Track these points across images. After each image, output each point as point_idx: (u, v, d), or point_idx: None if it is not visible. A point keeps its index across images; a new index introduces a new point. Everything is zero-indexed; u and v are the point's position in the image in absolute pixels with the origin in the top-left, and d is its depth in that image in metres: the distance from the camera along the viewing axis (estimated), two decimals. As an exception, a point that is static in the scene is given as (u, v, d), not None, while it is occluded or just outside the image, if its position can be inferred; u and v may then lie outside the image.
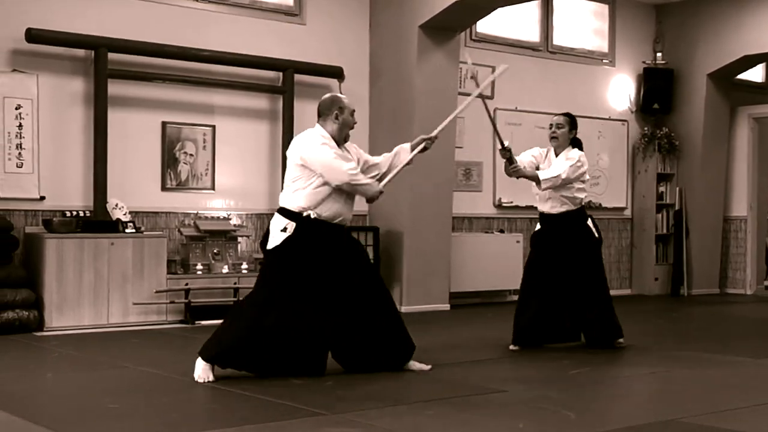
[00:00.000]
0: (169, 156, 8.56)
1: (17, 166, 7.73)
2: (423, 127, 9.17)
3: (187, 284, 8.06)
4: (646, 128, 11.75)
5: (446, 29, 9.27)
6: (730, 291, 12.03)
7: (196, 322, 7.95)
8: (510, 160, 6.49)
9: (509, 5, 9.47)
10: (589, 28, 11.48)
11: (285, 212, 5.43)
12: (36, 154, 7.79)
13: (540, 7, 10.92)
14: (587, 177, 6.72)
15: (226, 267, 8.44)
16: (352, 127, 5.65)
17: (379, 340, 5.56)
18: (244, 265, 8.50)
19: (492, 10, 9.34)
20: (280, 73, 9.04)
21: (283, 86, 9.03)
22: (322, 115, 5.58)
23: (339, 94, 5.75)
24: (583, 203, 6.74)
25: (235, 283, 8.31)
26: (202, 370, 5.28)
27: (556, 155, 6.69)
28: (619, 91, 11.69)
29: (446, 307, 9.46)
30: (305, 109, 8.73)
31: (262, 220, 8.89)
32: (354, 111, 5.64)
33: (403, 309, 9.23)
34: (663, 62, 11.73)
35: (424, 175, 9.07)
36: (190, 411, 4.74)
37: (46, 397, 4.99)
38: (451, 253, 9.59)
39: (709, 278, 11.87)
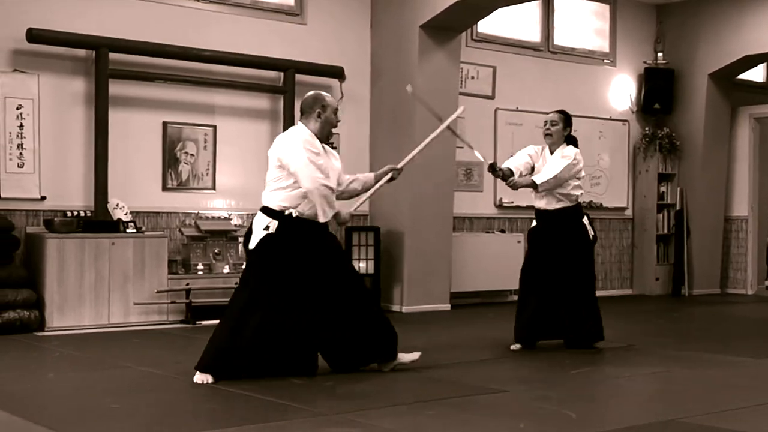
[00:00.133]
0: (170, 156, 8.57)
1: (18, 166, 7.73)
2: (423, 127, 9.17)
3: (188, 284, 8.07)
4: (647, 128, 11.75)
5: (447, 29, 9.27)
6: (731, 291, 12.03)
7: (197, 322, 7.95)
8: (503, 176, 6.54)
9: (510, 5, 9.47)
10: (589, 28, 11.48)
11: (267, 211, 5.42)
12: (37, 154, 7.80)
13: (541, 7, 10.92)
14: (583, 174, 6.73)
15: (227, 267, 8.44)
16: (335, 126, 5.64)
17: (363, 336, 5.52)
18: (245, 265, 8.48)
19: (493, 10, 9.33)
20: (281, 73, 9.05)
21: (284, 86, 9.03)
22: (304, 113, 5.57)
23: (322, 92, 5.71)
24: (579, 200, 6.75)
25: (236, 283, 8.26)
26: (200, 373, 5.28)
27: (551, 153, 6.70)
28: (620, 91, 11.69)
29: (447, 307, 9.46)
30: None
31: (263, 220, 8.89)
32: (337, 109, 5.64)
33: (404, 309, 9.25)
34: (664, 62, 11.73)
35: (424, 175, 9.08)
36: (191, 411, 4.74)
37: (47, 397, 4.99)
38: (451, 253, 9.59)
39: (709, 278, 11.87)
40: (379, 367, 5.64)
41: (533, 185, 6.55)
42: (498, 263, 9.92)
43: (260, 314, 5.30)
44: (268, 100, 9.11)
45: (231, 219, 8.79)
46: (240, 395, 4.89)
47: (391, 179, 5.85)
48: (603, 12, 11.59)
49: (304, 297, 5.39)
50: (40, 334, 7.30)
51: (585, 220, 6.72)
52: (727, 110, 11.86)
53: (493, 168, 6.55)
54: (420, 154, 6.05)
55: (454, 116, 6.20)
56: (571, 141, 6.73)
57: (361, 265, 9.15)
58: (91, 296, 7.62)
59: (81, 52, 8.06)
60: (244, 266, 5.78)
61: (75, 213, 7.87)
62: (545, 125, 6.72)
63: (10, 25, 7.73)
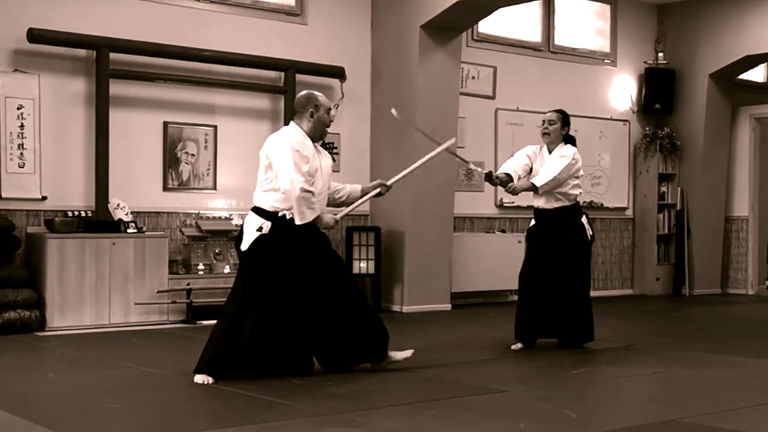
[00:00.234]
0: (170, 156, 8.57)
1: (19, 166, 7.73)
2: (424, 127, 9.18)
3: (188, 284, 8.07)
4: (647, 128, 11.75)
5: (448, 29, 9.27)
6: (732, 291, 12.03)
7: (198, 322, 7.95)
8: (501, 184, 6.56)
9: (511, 5, 9.47)
10: (590, 28, 11.48)
11: (260, 211, 5.41)
12: (38, 154, 7.80)
13: (541, 7, 10.92)
14: (581, 173, 6.73)
15: (227, 267, 8.44)
16: (329, 125, 5.61)
17: (355, 336, 5.50)
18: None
19: (493, 10, 9.33)
20: (282, 73, 9.05)
21: (284, 86, 9.04)
22: (297, 112, 5.54)
23: (315, 92, 5.67)
24: (577, 199, 6.75)
25: (236, 283, 8.30)
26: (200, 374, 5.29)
27: (550, 152, 6.70)
28: (621, 91, 11.69)
29: (447, 307, 9.46)
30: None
31: (264, 220, 8.89)
32: (330, 109, 5.61)
33: (405, 309, 9.25)
34: (664, 62, 11.73)
35: (425, 175, 9.05)
36: (191, 411, 4.74)
37: (48, 396, 4.99)
38: (452, 253, 9.59)
39: (710, 278, 11.87)
40: (372, 367, 5.63)
41: (533, 188, 6.56)
42: (498, 263, 9.92)
43: (256, 315, 5.29)
44: (269, 100, 9.11)
45: (232, 219, 8.78)
46: (240, 395, 4.90)
47: (379, 194, 5.81)
48: (604, 12, 11.59)
49: (297, 297, 5.38)
50: (40, 334, 7.30)
51: (584, 219, 6.72)
52: (727, 110, 11.86)
53: (489, 177, 6.60)
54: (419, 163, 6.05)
55: (444, 146, 6.18)
56: (569, 140, 6.73)
57: (362, 265, 9.16)
58: (92, 296, 7.63)
59: (81, 52, 8.06)
60: (237, 267, 5.73)
61: (76, 213, 7.88)
62: (543, 124, 6.73)
63: (11, 25, 7.73)
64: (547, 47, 11.02)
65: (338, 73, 9.34)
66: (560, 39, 11.14)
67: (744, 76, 12.09)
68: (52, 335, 7.26)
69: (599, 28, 11.56)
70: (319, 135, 5.57)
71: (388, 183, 5.83)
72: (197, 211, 8.68)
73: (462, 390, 5.15)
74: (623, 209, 11.73)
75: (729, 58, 11.28)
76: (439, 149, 6.07)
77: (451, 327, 8.22)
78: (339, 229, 9.42)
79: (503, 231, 10.49)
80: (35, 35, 7.70)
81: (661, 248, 11.77)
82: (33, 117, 7.79)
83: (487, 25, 10.33)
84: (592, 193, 11.23)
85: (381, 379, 5.44)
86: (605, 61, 11.57)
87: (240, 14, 8.95)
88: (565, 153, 6.59)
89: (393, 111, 6.37)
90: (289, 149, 5.31)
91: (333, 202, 5.77)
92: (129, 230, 7.89)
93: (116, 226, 7.86)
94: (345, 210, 5.78)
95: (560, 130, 6.69)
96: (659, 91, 11.64)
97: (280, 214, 5.36)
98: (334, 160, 9.34)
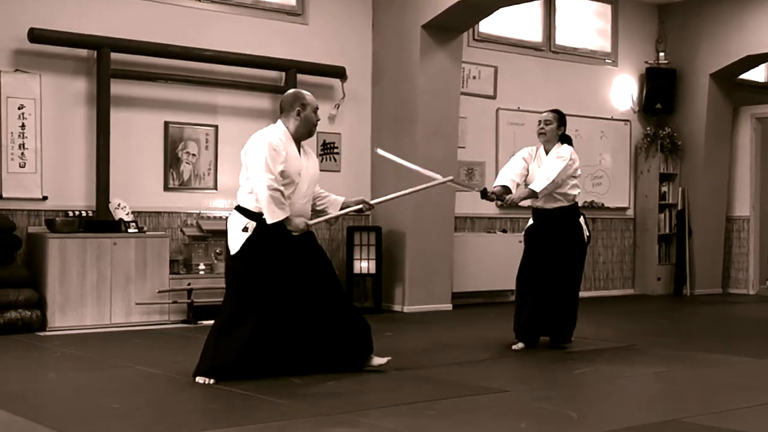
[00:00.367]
0: (171, 156, 8.57)
1: (20, 166, 7.74)
2: (425, 127, 9.23)
3: (189, 284, 8.07)
4: (648, 128, 11.74)
5: (449, 29, 9.27)
6: (733, 291, 12.02)
7: (199, 321, 7.95)
8: (499, 198, 6.56)
9: (512, 5, 9.46)
10: (591, 27, 11.48)
11: (244, 211, 5.37)
12: (39, 154, 7.81)
13: (542, 7, 10.92)
14: (579, 173, 6.73)
15: (228, 267, 8.43)
16: (315, 124, 5.56)
17: (340, 338, 5.47)
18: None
19: (494, 10, 9.33)
20: (283, 73, 9.05)
21: (285, 86, 9.01)
22: (283, 111, 5.49)
23: (303, 91, 5.64)
24: (576, 200, 6.75)
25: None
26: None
27: (546, 152, 6.70)
28: (622, 90, 11.69)
29: (448, 307, 9.46)
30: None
31: (265, 220, 8.89)
32: (317, 108, 5.56)
33: (406, 309, 9.25)
34: (665, 62, 11.73)
35: (426, 175, 9.05)
36: (191, 411, 4.74)
37: (48, 396, 5.00)
38: (453, 253, 9.59)
39: (711, 278, 11.87)
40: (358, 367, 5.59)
41: (532, 194, 6.55)
42: (499, 263, 9.90)
43: (254, 316, 5.28)
44: (270, 100, 9.10)
45: (232, 219, 8.77)
46: (240, 395, 4.90)
47: (360, 211, 5.76)
48: (605, 12, 11.59)
49: (289, 297, 5.36)
50: (41, 334, 7.30)
51: (581, 220, 6.73)
52: (728, 110, 11.86)
53: (485, 194, 6.57)
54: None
55: (437, 182, 6.20)
56: (566, 140, 6.74)
57: (363, 265, 9.16)
58: (93, 296, 7.63)
59: (83, 52, 8.07)
60: (227, 267, 5.64)
61: (77, 213, 7.88)
62: (539, 125, 6.74)
63: (12, 25, 7.74)
64: (548, 47, 11.02)
65: (339, 73, 9.34)
66: (561, 39, 11.14)
67: (745, 75, 12.09)
68: (53, 335, 7.26)
69: (600, 27, 11.56)
70: (306, 134, 5.51)
71: (372, 202, 5.79)
72: (198, 211, 8.68)
73: (462, 390, 5.15)
74: (624, 209, 11.72)
75: (730, 57, 11.28)
76: (432, 183, 6.11)
77: (451, 327, 8.22)
78: (340, 228, 9.43)
79: (504, 231, 10.49)
80: (36, 35, 7.70)
81: (662, 248, 11.77)
82: (34, 117, 7.79)
83: (488, 25, 10.33)
84: (593, 193, 11.23)
85: (381, 379, 5.44)
86: (606, 60, 11.57)
87: (241, 14, 8.95)
88: (561, 154, 6.59)
89: (379, 150, 6.42)
90: (265, 147, 5.25)
91: (312, 208, 5.68)
92: (130, 230, 7.89)
93: (117, 226, 7.86)
94: (320, 219, 5.68)
95: (556, 130, 6.69)
96: (660, 91, 11.64)
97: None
98: (335, 159, 9.50)
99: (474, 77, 10.25)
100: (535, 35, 10.95)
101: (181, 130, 8.62)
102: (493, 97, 10.46)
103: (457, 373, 5.70)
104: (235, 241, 5.35)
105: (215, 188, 8.79)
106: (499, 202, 6.65)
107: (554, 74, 10.97)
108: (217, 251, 8.46)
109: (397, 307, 9.33)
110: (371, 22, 9.75)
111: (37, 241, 7.64)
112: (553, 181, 6.47)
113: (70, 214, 7.86)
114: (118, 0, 8.29)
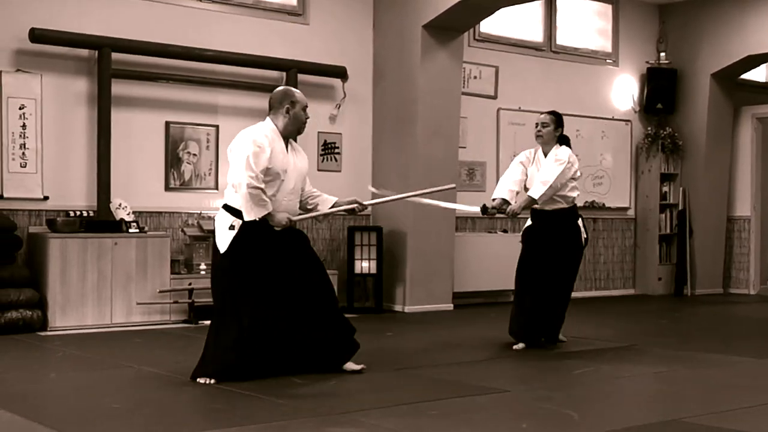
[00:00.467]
0: (172, 156, 8.58)
1: (21, 166, 7.74)
2: (426, 127, 9.23)
3: (190, 284, 8.07)
4: (649, 128, 11.74)
5: (450, 29, 9.27)
6: (734, 291, 12.02)
7: (200, 321, 7.95)
8: (499, 211, 6.57)
9: (512, 5, 9.47)
10: (592, 27, 11.48)
11: (230, 209, 5.37)
12: (39, 154, 7.81)
13: (543, 7, 10.92)
14: (578, 174, 6.73)
15: (229, 267, 8.43)
16: (304, 122, 5.54)
17: (319, 338, 5.45)
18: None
19: (495, 10, 9.33)
20: (284, 73, 9.05)
21: (286, 86, 9.02)
22: (272, 108, 5.48)
23: (292, 88, 5.62)
24: (575, 201, 6.75)
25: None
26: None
27: (545, 154, 6.70)
28: (623, 91, 11.68)
29: (449, 307, 9.46)
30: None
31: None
32: (306, 106, 5.55)
33: (407, 309, 9.25)
34: (666, 62, 11.73)
35: (427, 174, 9.07)
36: (192, 411, 4.75)
37: (49, 396, 5.00)
38: (454, 253, 9.59)
39: (712, 278, 11.87)
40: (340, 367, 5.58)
41: (532, 201, 6.55)
42: (500, 263, 9.88)
43: (245, 315, 5.28)
44: (271, 100, 9.10)
45: (233, 219, 8.78)
46: (240, 395, 4.90)
47: (352, 211, 5.74)
48: (605, 12, 11.59)
49: (271, 294, 5.34)
50: (42, 333, 7.31)
51: (579, 222, 6.73)
52: (729, 110, 11.86)
53: (485, 211, 6.57)
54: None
55: (443, 188, 6.26)
56: (564, 141, 6.73)
57: (364, 265, 9.16)
58: (94, 296, 7.63)
59: (84, 52, 8.07)
60: (215, 265, 5.63)
61: (77, 213, 7.88)
62: (536, 127, 6.74)
63: (13, 25, 7.74)
64: (549, 47, 11.02)
65: (340, 72, 9.34)
66: (562, 39, 11.14)
67: (746, 75, 12.09)
68: (54, 335, 7.27)
69: (601, 27, 11.55)
70: (294, 132, 5.50)
71: (365, 203, 5.78)
72: (199, 211, 8.69)
73: (463, 390, 5.15)
74: (625, 209, 11.72)
75: (731, 57, 11.28)
76: (432, 190, 6.16)
77: (452, 327, 8.22)
78: (341, 228, 9.43)
79: (505, 231, 10.49)
80: (37, 35, 7.71)
81: (662, 248, 11.76)
82: (35, 117, 7.79)
83: (488, 25, 10.33)
84: (594, 193, 11.23)
85: (381, 378, 5.44)
86: (607, 60, 11.57)
87: (242, 14, 8.96)
88: (559, 156, 6.58)
89: (371, 188, 6.43)
90: (249, 144, 5.25)
91: (303, 206, 5.67)
92: (131, 230, 7.89)
93: (118, 226, 7.87)
94: (305, 215, 5.65)
95: (553, 132, 6.69)
96: (661, 91, 11.64)
97: None
98: (335, 159, 9.50)
99: (475, 77, 10.25)
100: (536, 35, 10.95)
101: (182, 130, 8.62)
102: (494, 97, 10.46)
103: (458, 373, 5.70)
104: (223, 239, 5.36)
105: (216, 188, 8.78)
106: (500, 215, 6.65)
107: (555, 74, 10.97)
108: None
109: (398, 307, 9.33)
110: (372, 22, 9.75)
111: (38, 241, 7.64)
112: (551, 185, 6.47)
113: (71, 214, 7.86)
114: (119, 0, 8.29)
